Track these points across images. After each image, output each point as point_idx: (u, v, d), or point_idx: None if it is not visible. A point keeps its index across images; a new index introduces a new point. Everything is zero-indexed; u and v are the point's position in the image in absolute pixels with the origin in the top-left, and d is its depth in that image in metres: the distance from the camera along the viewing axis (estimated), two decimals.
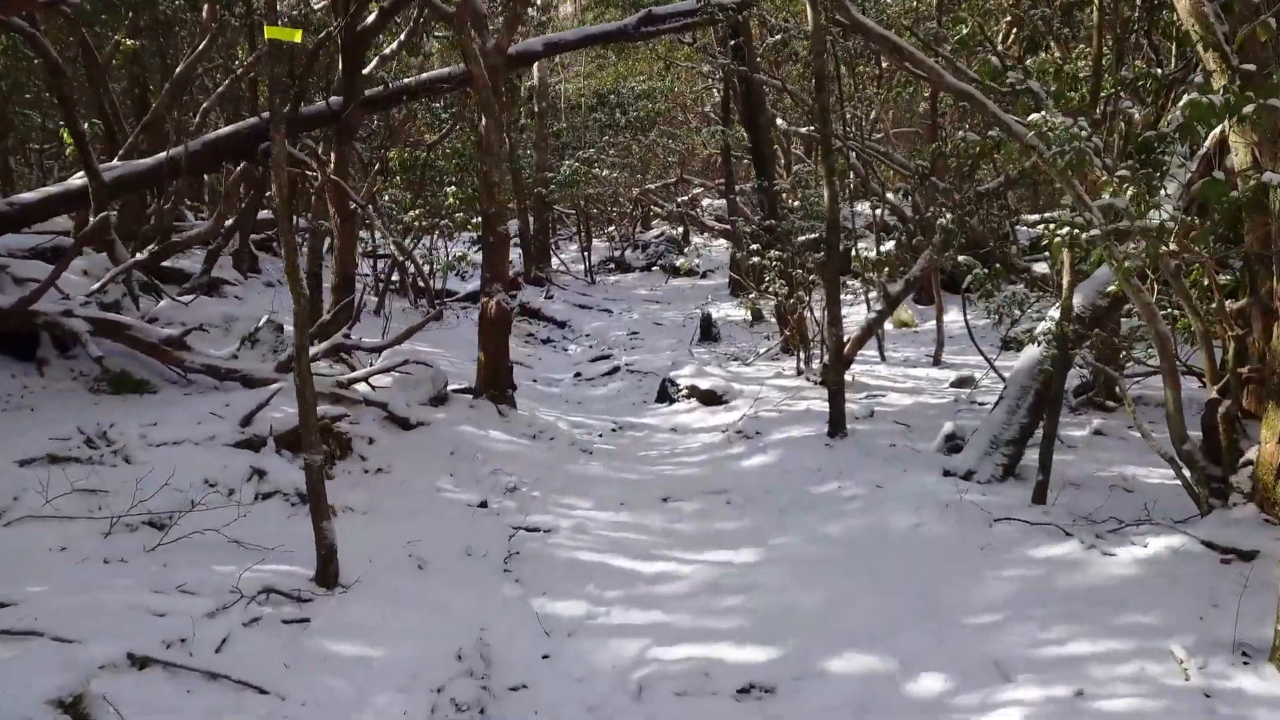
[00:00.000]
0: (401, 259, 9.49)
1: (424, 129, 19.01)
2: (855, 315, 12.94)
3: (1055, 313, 6.29)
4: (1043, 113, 4.23)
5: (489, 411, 8.75)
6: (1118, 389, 8.00)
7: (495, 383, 8.99)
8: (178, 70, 12.27)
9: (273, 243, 18.68)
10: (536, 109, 20.55)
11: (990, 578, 4.83)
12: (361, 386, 7.77)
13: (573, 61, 27.19)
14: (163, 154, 9.72)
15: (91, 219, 8.16)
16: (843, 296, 12.49)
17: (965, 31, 5.95)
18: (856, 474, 7.08)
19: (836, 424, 8.21)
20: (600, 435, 9.73)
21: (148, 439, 5.91)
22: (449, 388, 9.41)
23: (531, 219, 21.70)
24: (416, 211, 10.85)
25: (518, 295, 19.67)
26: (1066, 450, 7.43)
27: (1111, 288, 5.24)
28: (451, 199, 10.06)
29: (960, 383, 10.62)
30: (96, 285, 7.31)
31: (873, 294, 12.60)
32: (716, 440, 9.19)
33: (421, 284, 16.41)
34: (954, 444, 7.35)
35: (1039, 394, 6.60)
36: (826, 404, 9.58)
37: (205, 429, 6.16)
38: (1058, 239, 4.49)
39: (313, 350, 7.72)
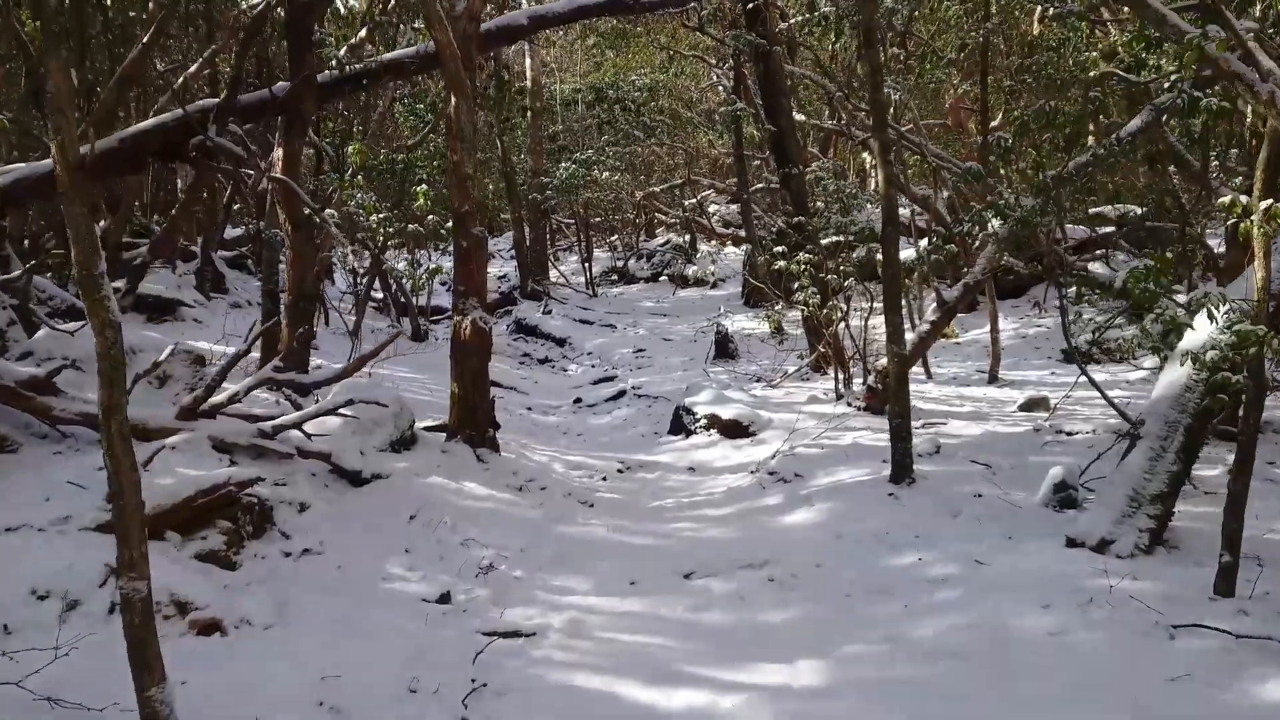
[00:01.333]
0: (366, 273, 7.82)
1: (406, 131, 17.44)
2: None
3: (1205, 324, 4.57)
4: None
5: (465, 457, 7.04)
6: None
7: (473, 421, 7.28)
8: (122, 66, 10.66)
9: (247, 260, 17.09)
10: (530, 109, 18.91)
11: None
12: (297, 433, 6.08)
13: (567, 62, 25.65)
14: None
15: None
16: (872, 305, 10.84)
17: None
18: (941, 540, 5.36)
19: (901, 467, 6.49)
20: (604, 479, 8.03)
21: None
22: (419, 426, 7.72)
23: (527, 229, 20.07)
24: (381, 215, 9.16)
25: (513, 311, 18.06)
26: (1201, 498, 5.71)
27: None
28: (422, 198, 8.38)
29: (1030, 405, 8.91)
30: None
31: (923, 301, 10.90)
32: (745, 484, 7.49)
33: (403, 299, 14.81)
34: (1066, 495, 5.63)
35: (1190, 431, 4.88)
36: (877, 436, 7.90)
37: (57, 507, 4.48)
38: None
39: (233, 388, 6.03)
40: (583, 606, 5.08)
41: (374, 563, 5.11)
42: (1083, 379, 8.53)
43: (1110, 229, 13.64)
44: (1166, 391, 5.03)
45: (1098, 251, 13.86)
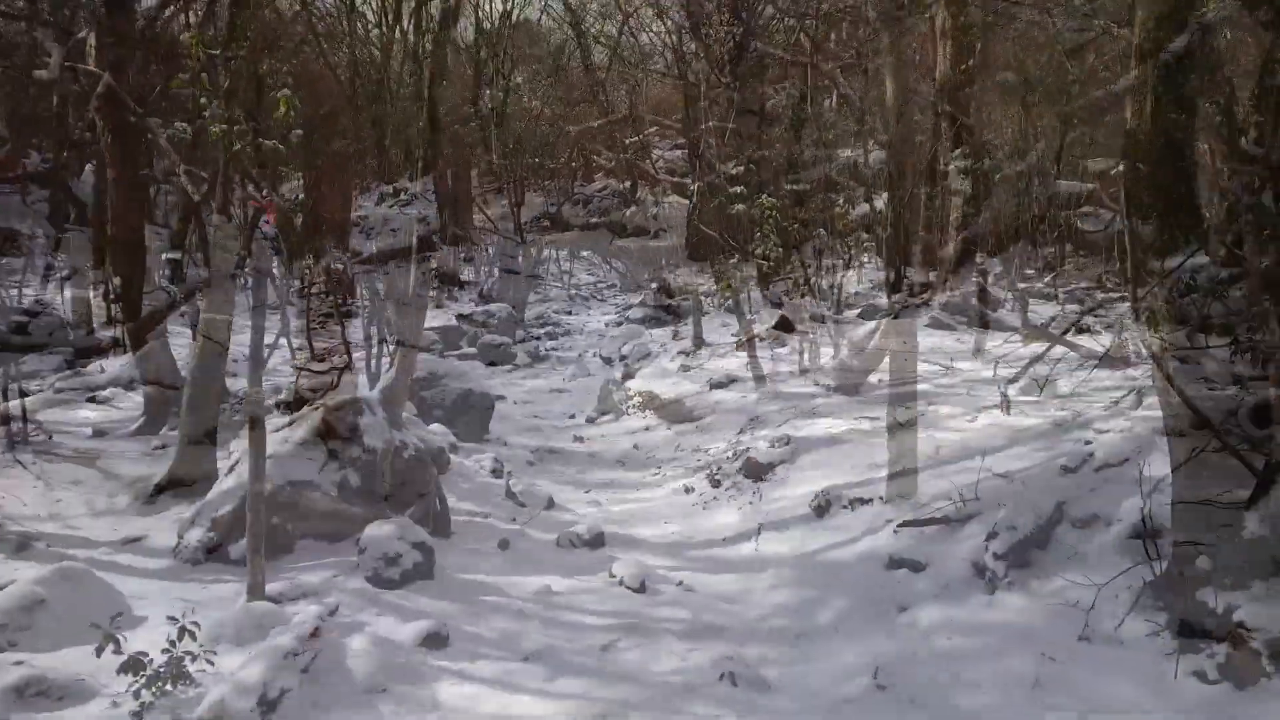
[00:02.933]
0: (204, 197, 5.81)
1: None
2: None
3: None
4: None
5: None
6: None
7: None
8: None
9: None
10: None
11: None
12: None
13: None
14: None
15: None
16: (829, 263, 9.15)
17: None
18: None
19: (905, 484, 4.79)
20: (511, 476, 6.25)
21: None
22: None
23: (450, 168, 17.99)
24: (237, 127, 7.06)
25: (432, 258, 16.07)
26: None
27: None
28: (284, 103, 6.31)
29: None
30: None
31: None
32: (697, 490, 5.79)
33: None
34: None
35: None
36: (855, 425, 6.24)
37: None
38: None
39: None
40: None
41: None
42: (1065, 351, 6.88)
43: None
44: None
45: (1082, 210, 12.42)
